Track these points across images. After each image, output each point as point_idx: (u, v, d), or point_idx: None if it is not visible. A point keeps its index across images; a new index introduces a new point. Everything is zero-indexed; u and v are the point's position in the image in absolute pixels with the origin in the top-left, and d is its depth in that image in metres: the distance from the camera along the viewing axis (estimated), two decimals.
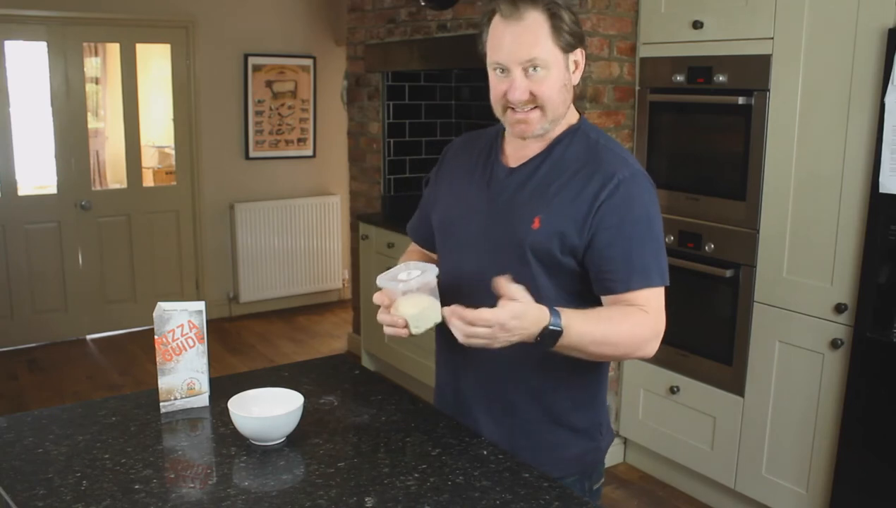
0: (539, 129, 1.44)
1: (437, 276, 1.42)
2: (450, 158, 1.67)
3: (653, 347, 1.42)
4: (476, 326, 1.26)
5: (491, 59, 1.43)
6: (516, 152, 1.51)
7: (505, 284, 1.29)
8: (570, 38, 1.41)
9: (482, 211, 1.51)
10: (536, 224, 1.42)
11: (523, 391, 1.51)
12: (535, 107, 1.41)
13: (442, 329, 1.64)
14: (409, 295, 1.38)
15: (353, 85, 4.68)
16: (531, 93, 1.39)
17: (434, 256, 1.71)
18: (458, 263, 1.55)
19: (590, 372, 1.54)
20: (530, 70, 1.38)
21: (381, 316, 1.42)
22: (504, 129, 1.55)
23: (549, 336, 1.30)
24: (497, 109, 1.46)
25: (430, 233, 1.67)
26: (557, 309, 1.32)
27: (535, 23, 1.37)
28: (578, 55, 1.44)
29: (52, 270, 5.02)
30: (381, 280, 1.42)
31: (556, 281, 1.45)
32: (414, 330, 1.40)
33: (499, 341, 1.29)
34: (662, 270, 1.43)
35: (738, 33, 2.75)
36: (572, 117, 1.51)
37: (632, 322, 1.39)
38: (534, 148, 1.49)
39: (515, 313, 1.27)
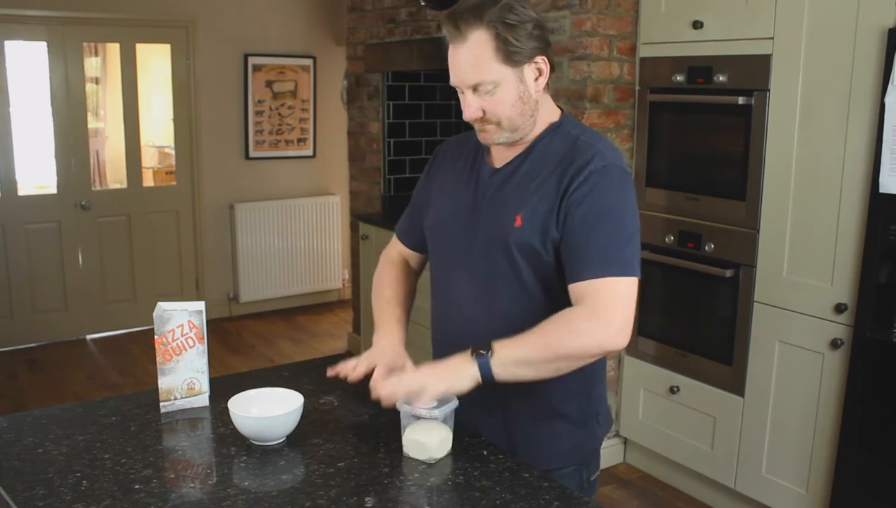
0: (500, 139, 1.47)
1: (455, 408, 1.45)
2: (440, 160, 1.70)
3: (608, 337, 1.35)
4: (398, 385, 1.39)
5: (450, 79, 1.47)
6: (500, 153, 1.54)
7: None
8: (522, 52, 1.39)
9: (469, 211, 1.54)
10: (518, 221, 1.45)
11: (518, 383, 1.52)
12: (490, 123, 1.45)
13: (437, 326, 1.66)
14: (426, 423, 1.40)
15: (353, 85, 4.68)
16: (483, 111, 1.43)
17: (416, 259, 1.75)
18: (448, 263, 1.59)
19: None
20: (480, 89, 1.41)
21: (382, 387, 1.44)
22: None
23: (482, 360, 1.36)
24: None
25: (423, 236, 1.69)
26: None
27: (478, 43, 1.38)
28: (540, 62, 1.43)
29: (52, 270, 5.02)
30: (403, 405, 1.43)
31: (540, 278, 1.47)
32: (435, 455, 1.40)
33: (435, 382, 1.38)
34: (625, 261, 1.38)
35: (738, 33, 2.75)
36: (553, 115, 1.53)
37: (562, 321, 1.37)
38: (516, 148, 1.52)
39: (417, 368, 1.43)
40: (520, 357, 1.36)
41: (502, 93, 1.41)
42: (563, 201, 1.41)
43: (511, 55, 1.39)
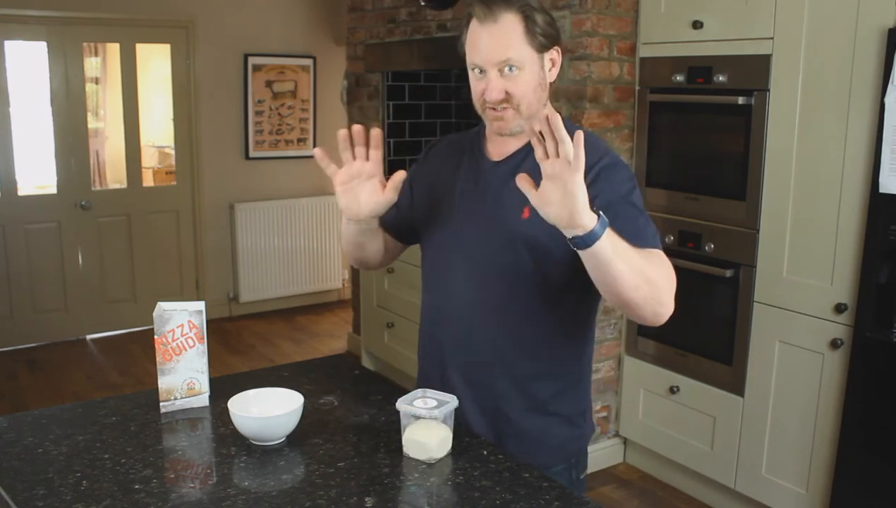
0: (515, 126, 1.48)
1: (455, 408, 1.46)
2: (433, 158, 1.71)
3: (671, 298, 1.37)
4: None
5: (469, 60, 1.48)
6: (499, 148, 1.56)
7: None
8: (544, 39, 1.45)
9: (470, 204, 1.56)
10: (526, 214, 1.46)
11: (508, 378, 1.54)
12: (510, 106, 1.46)
13: (426, 319, 1.66)
14: (426, 423, 1.40)
15: (353, 85, 4.67)
16: (506, 92, 1.44)
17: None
18: (445, 255, 1.60)
19: (573, 359, 1.58)
20: (505, 70, 1.43)
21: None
22: (484, 129, 1.61)
23: (603, 222, 1.24)
24: (477, 107, 1.51)
25: (390, 217, 1.67)
26: None
27: (510, 24, 1.42)
28: (554, 54, 1.49)
29: (52, 270, 5.01)
30: (403, 405, 1.44)
31: (544, 271, 1.48)
32: (435, 455, 1.39)
33: (574, 171, 1.21)
34: (655, 237, 1.44)
35: (738, 33, 2.75)
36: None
37: (657, 260, 1.37)
38: (516, 143, 1.54)
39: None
40: (624, 248, 1.28)
41: (526, 75, 1.44)
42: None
43: (536, 39, 1.44)
